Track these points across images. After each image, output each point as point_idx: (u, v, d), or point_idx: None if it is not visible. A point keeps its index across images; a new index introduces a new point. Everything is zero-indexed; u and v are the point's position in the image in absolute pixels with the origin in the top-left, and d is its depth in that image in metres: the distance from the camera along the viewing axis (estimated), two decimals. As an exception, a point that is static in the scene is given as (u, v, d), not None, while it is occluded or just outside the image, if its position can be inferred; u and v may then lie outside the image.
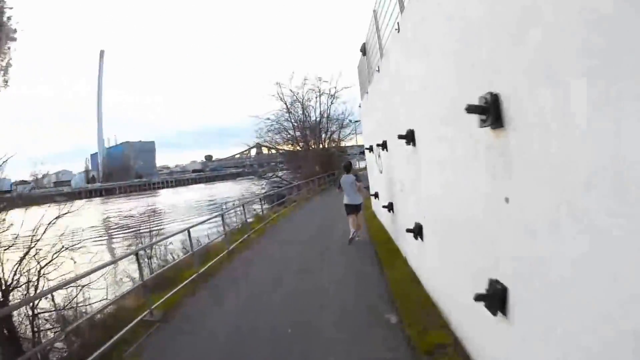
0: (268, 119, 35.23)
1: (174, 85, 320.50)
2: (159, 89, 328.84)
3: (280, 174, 39.46)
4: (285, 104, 35.15)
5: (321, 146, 37.26)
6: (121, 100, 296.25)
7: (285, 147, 38.09)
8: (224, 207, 18.74)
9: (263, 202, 20.77)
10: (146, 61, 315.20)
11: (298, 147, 37.28)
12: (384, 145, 8.98)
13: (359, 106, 15.55)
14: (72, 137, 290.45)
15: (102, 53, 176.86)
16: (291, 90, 35.36)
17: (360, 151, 71.03)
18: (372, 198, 14.14)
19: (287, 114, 35.63)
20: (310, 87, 35.52)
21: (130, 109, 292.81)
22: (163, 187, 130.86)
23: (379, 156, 10.65)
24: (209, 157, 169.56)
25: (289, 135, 36.62)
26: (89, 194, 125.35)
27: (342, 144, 41.28)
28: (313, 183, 28.63)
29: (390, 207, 9.33)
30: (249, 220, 16.14)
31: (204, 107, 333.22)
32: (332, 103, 36.50)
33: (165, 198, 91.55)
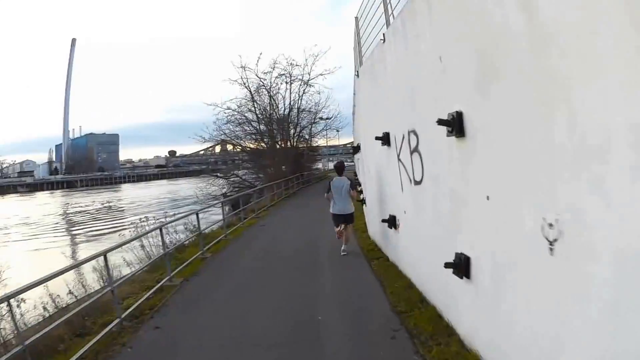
0: (229, 108, 29.87)
1: (143, 76, 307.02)
2: (128, 78, 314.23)
3: (241, 173, 33.67)
4: (250, 91, 29.93)
5: (289, 144, 32.41)
6: (88, 90, 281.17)
7: (250, 144, 32.79)
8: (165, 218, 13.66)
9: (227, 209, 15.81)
10: (117, 50, 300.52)
11: (262, 144, 32.07)
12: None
13: (356, 74, 11.32)
14: (37, 126, 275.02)
15: (73, 41, 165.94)
16: (257, 76, 30.05)
17: (334, 152, 67.00)
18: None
19: (252, 103, 30.41)
20: (280, 71, 30.44)
21: (97, 100, 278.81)
22: (125, 182, 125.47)
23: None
24: (172, 153, 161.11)
25: (252, 129, 31.38)
26: (51, 186, 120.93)
27: (314, 142, 36.71)
28: (279, 187, 23.66)
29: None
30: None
31: (172, 100, 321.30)
32: (304, 92, 31.51)
33: (125, 193, 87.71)
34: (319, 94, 31.38)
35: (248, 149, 32.39)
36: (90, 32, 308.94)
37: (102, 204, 62.43)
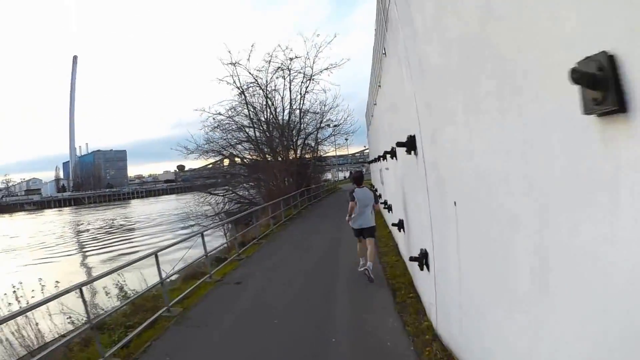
0: (219, 113, 24.58)
1: (152, 91, 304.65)
2: (136, 95, 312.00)
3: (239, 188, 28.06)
4: (242, 91, 24.45)
5: (293, 154, 27.02)
6: (94, 107, 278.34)
7: (246, 155, 27.20)
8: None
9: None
10: (123, 66, 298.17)
11: (258, 155, 26.49)
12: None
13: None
14: (44, 144, 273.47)
15: (75, 58, 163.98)
16: (249, 72, 24.63)
17: (342, 162, 61.68)
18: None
19: (245, 106, 24.89)
20: (277, 64, 24.83)
21: (103, 117, 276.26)
22: (133, 198, 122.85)
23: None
24: (181, 167, 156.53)
25: (244, 136, 25.70)
26: (59, 203, 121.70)
27: (321, 151, 31.28)
28: (278, 206, 17.94)
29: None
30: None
31: (181, 113, 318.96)
32: (306, 90, 25.80)
33: (132, 210, 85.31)
34: (325, 92, 25.97)
35: (240, 161, 26.96)
36: (96, 49, 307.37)
37: (106, 221, 60.92)
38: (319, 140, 28.36)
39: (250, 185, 27.56)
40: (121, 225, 55.75)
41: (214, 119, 24.18)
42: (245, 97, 24.24)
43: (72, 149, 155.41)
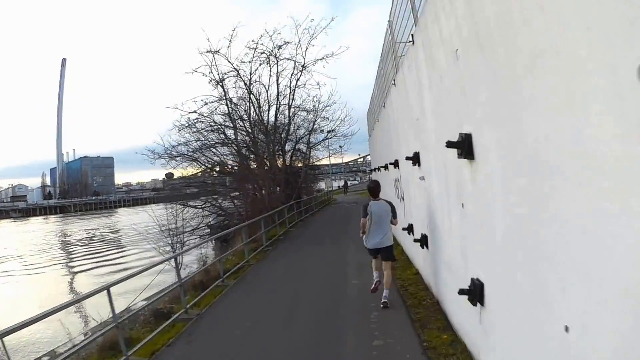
0: (194, 111, 20.18)
1: (144, 97, 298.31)
2: (126, 99, 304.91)
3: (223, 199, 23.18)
4: (220, 83, 19.98)
5: (281, 160, 22.73)
6: (83, 112, 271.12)
7: (229, 162, 22.81)
8: None
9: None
10: (109, 71, 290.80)
11: (238, 162, 22.03)
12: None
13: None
14: (30, 150, 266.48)
15: (64, 61, 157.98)
16: (229, 61, 20.13)
17: (336, 171, 57.55)
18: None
19: (224, 102, 20.44)
20: (264, 52, 20.46)
21: (92, 122, 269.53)
22: (120, 206, 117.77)
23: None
24: (169, 175, 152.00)
25: (223, 139, 21.06)
26: (44, 211, 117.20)
27: (314, 158, 26.98)
28: (258, 227, 13.46)
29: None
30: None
31: (172, 119, 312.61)
32: (296, 85, 21.30)
33: (116, 219, 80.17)
34: (319, 86, 21.69)
35: (220, 168, 22.53)
36: (83, 53, 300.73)
37: (87, 232, 57.31)
38: (312, 144, 23.91)
39: (233, 197, 23.05)
40: (102, 237, 51.78)
41: (189, 118, 19.83)
42: (224, 89, 19.88)
43: (59, 155, 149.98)
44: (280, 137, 22.11)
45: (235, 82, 20.10)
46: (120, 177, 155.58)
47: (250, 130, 20.92)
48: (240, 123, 20.78)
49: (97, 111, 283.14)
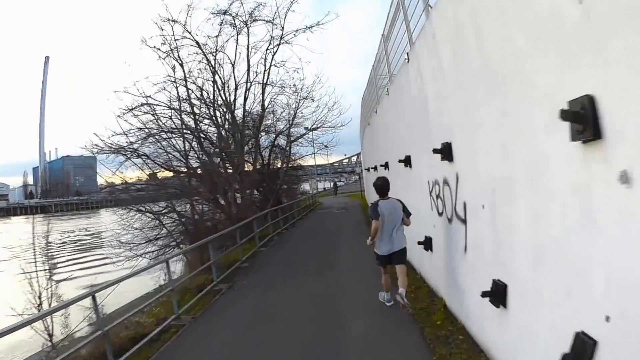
0: (148, 96, 15.16)
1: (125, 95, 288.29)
2: (110, 97, 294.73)
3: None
4: (172, 54, 15.12)
5: (251, 158, 18.20)
6: (65, 110, 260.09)
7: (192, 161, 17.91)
8: None
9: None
10: (94, 68, 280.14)
11: (196, 160, 16.87)
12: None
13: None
14: (12, 149, 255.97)
15: (47, 59, 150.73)
16: (187, 30, 15.29)
17: (321, 172, 53.29)
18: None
19: (181, 82, 15.53)
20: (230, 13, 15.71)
21: (74, 121, 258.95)
22: (102, 207, 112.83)
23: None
24: (152, 176, 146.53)
25: (176, 127, 15.65)
26: (25, 210, 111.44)
27: (295, 156, 22.49)
28: (213, 251, 8.79)
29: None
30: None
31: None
32: (272, 61, 16.60)
33: (95, 220, 74.34)
34: (301, 68, 17.26)
35: (168, 169, 17.17)
36: (66, 52, 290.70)
37: (62, 235, 53.17)
38: (293, 138, 19.32)
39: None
40: (77, 240, 47.47)
41: (134, 103, 15.16)
42: (177, 60, 15.20)
43: (41, 154, 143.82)
44: (252, 128, 17.60)
45: (198, 61, 15.50)
46: (110, 178, 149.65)
47: (212, 117, 16.28)
48: (204, 110, 16.19)
49: (81, 109, 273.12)
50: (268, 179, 18.70)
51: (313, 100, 17.68)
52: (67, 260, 29.54)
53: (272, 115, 18.50)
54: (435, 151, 4.89)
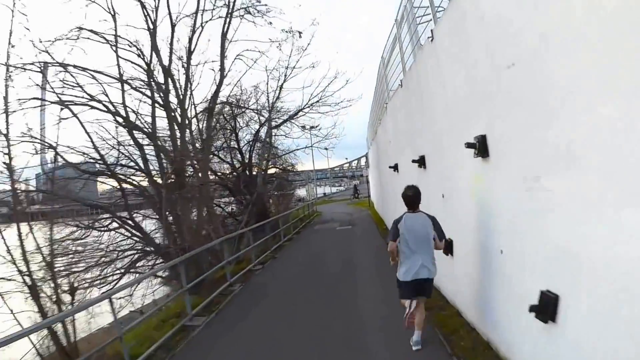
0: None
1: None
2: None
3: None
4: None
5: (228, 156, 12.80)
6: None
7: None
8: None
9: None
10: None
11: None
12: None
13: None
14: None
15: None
16: None
17: (320, 176, 47.96)
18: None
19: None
20: None
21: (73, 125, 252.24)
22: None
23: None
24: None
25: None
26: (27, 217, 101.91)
27: (285, 159, 17.05)
28: None
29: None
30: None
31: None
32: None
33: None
34: (291, 37, 12.04)
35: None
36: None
37: None
38: (274, 126, 13.74)
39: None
40: None
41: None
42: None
43: (42, 159, 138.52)
44: (224, 115, 12.11)
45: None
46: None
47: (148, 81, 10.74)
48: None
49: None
50: (245, 187, 13.25)
51: (313, 67, 12.22)
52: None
53: (253, 99, 13.02)
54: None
